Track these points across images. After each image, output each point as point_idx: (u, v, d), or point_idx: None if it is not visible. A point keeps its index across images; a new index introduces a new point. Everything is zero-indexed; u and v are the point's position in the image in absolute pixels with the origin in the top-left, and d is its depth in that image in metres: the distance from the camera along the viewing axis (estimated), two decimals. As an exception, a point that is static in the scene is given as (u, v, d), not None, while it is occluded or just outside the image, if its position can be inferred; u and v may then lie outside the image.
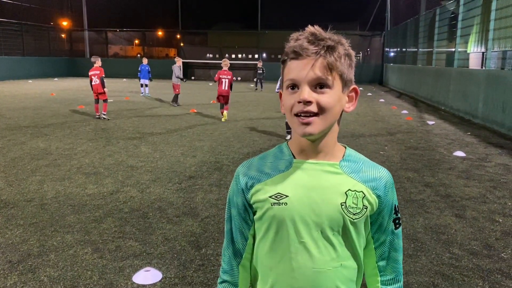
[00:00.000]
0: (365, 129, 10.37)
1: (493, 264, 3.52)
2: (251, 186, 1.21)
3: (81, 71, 33.67)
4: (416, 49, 20.72)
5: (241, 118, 12.20)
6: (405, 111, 14.04)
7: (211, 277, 3.24)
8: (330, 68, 1.09)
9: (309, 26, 1.13)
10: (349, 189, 1.16)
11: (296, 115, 1.10)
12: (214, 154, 7.35)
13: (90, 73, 11.66)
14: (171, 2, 34.77)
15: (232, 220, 1.27)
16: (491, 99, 10.69)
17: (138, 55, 40.62)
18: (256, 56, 34.48)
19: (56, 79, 30.11)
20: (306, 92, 1.08)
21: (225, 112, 11.54)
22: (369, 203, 1.17)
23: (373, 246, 1.25)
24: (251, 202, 1.21)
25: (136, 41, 41.26)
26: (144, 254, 3.62)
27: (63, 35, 36.90)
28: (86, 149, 7.66)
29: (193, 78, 35.05)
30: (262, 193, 1.19)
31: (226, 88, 11.39)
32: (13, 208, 4.66)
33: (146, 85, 19.18)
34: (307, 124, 1.09)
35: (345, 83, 1.13)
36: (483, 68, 12.08)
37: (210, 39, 38.90)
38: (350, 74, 1.14)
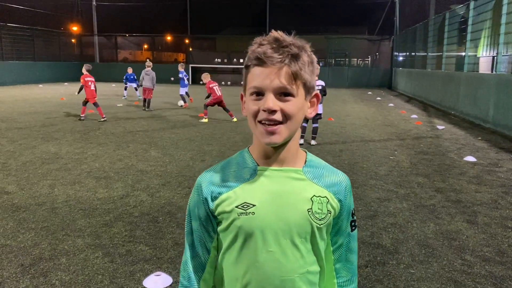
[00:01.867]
0: (375, 133, 10.32)
1: (506, 271, 3.47)
2: (215, 197, 1.17)
3: (90, 76, 33.99)
4: (426, 53, 20.62)
5: (250, 122, 12.19)
6: (414, 116, 13.96)
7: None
8: (294, 77, 1.08)
9: (273, 30, 1.12)
10: (314, 195, 1.17)
11: (260, 122, 1.09)
12: (223, 158, 7.27)
13: (87, 79, 12.00)
14: (180, 7, 35.01)
15: (194, 233, 1.23)
16: (502, 104, 10.59)
17: (147, 59, 40.92)
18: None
19: (66, 83, 30.41)
20: (271, 101, 1.07)
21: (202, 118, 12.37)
22: (332, 207, 1.19)
23: (331, 249, 1.27)
24: (216, 213, 1.18)
25: (145, 46, 41.57)
26: (155, 258, 3.63)
27: (73, 40, 37.29)
28: (96, 153, 7.72)
29: (201, 82, 35.19)
30: (228, 203, 1.16)
31: (221, 93, 12.35)
32: (24, 212, 4.71)
33: (136, 89, 20.13)
34: (272, 133, 1.09)
35: (308, 90, 1.13)
36: (494, 72, 11.98)
37: (218, 44, 39.05)
38: (313, 80, 1.14)
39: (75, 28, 37.69)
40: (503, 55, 11.42)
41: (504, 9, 10.90)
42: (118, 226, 4.33)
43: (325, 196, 1.18)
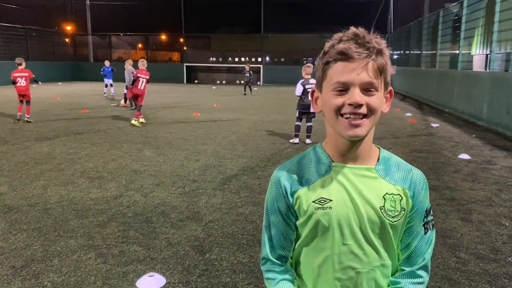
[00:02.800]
0: (369, 132, 10.32)
1: (500, 268, 3.47)
2: (294, 192, 1.22)
3: (85, 76, 33.87)
4: (420, 52, 20.67)
5: (245, 121, 12.18)
6: (409, 114, 13.99)
7: (215, 282, 3.22)
8: (380, 71, 1.12)
9: (352, 27, 1.14)
10: (386, 193, 1.19)
11: (343, 115, 1.12)
12: (217, 158, 7.33)
13: (16, 75, 11.91)
14: (174, 6, 34.90)
15: (273, 227, 1.26)
16: (496, 101, 10.63)
17: (141, 59, 40.74)
18: (260, 59, 34.52)
19: (60, 83, 30.24)
20: (358, 95, 1.10)
21: (138, 118, 11.07)
22: (406, 204, 1.21)
23: (400, 248, 1.25)
24: (295, 207, 1.22)
25: (140, 45, 41.42)
26: (148, 259, 3.60)
27: (67, 40, 37.11)
28: (89, 153, 7.67)
29: (196, 81, 35.13)
30: (305, 198, 1.20)
31: (143, 87, 11.08)
32: (16, 212, 4.66)
33: (111, 85, 20.05)
34: (357, 126, 1.12)
35: (386, 85, 1.17)
36: (487, 70, 12.02)
37: (213, 43, 38.98)
38: (389, 76, 1.17)
39: (69, 28, 37.49)
40: (496, 53, 11.45)
41: (498, 7, 10.93)
42: (112, 226, 4.29)
43: (398, 194, 1.20)
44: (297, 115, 8.80)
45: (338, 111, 1.12)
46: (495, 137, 9.56)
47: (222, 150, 8.05)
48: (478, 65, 14.66)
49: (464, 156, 7.54)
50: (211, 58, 37.11)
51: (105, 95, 20.03)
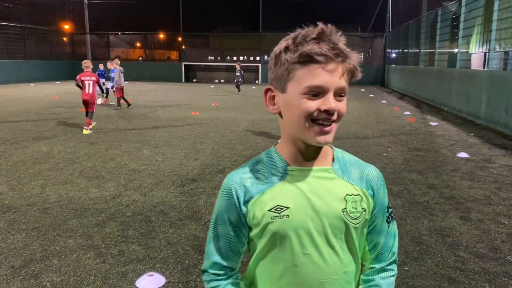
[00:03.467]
0: (368, 130, 10.33)
1: (500, 267, 3.48)
2: (247, 201, 1.13)
3: (83, 75, 33.74)
4: (418, 50, 20.69)
5: (243, 120, 12.18)
6: (407, 112, 14.00)
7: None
8: (351, 75, 1.08)
9: (319, 24, 1.06)
10: (347, 194, 1.14)
11: (314, 122, 1.05)
12: (216, 157, 7.33)
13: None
14: (173, 5, 34.84)
15: (221, 238, 1.17)
16: (494, 100, 10.65)
17: (140, 58, 40.73)
18: (258, 58, 34.51)
19: (58, 82, 30.18)
20: (333, 101, 1.04)
21: (89, 127, 9.66)
22: (367, 205, 1.16)
23: (368, 249, 1.24)
24: (248, 217, 1.13)
25: (138, 44, 41.37)
26: (147, 258, 3.60)
27: (65, 39, 37.02)
28: (88, 152, 7.65)
29: (194, 80, 35.10)
30: (260, 207, 1.11)
31: (91, 91, 9.76)
32: (15, 212, 4.65)
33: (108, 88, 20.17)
34: (328, 132, 1.06)
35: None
36: (486, 68, 12.04)
37: (211, 41, 38.95)
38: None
39: (66, 27, 37.39)
40: (495, 52, 11.46)
41: (496, 6, 10.94)
42: (111, 226, 4.28)
43: (358, 194, 1.15)
44: None
45: (309, 117, 1.04)
46: (494, 136, 9.57)
47: (220, 149, 8.04)
48: (476, 63, 14.67)
49: (463, 154, 7.55)
50: (209, 57, 37.10)
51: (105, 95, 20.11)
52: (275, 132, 10.11)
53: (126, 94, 21.16)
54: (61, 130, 10.07)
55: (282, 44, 1.08)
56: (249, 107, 15.79)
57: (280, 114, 1.13)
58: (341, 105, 1.07)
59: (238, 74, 22.46)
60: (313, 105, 1.04)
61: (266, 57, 35.34)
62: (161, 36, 39.31)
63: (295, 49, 1.04)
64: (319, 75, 1.03)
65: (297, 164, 1.13)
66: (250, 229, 1.16)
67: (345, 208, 1.12)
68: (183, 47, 37.15)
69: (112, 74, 15.85)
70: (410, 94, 21.03)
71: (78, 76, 9.69)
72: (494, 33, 11.13)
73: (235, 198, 1.13)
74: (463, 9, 13.91)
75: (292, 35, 1.07)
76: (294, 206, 1.10)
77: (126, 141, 8.79)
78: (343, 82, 1.05)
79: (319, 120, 1.05)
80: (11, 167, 6.55)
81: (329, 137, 1.07)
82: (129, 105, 15.07)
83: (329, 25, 1.06)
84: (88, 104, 9.77)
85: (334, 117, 1.05)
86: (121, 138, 9.08)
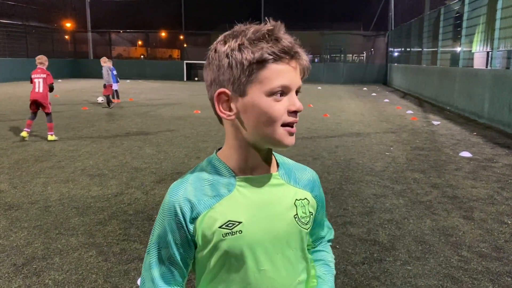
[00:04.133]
0: (370, 129, 10.31)
1: (503, 267, 3.46)
2: (194, 218, 1.01)
3: (84, 73, 33.80)
4: (421, 49, 20.64)
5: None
6: (410, 111, 13.97)
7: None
8: (306, 72, 1.02)
9: (269, 20, 0.99)
10: (295, 199, 1.10)
11: (283, 125, 0.98)
12: (218, 155, 7.31)
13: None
14: (174, 3, 34.83)
15: (163, 262, 1.05)
16: (497, 99, 10.61)
17: (142, 56, 40.75)
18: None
19: (60, 80, 30.19)
20: (298, 101, 0.99)
21: (52, 131, 8.43)
22: (313, 207, 1.15)
23: (311, 241, 1.27)
24: (196, 237, 1.03)
25: (139, 42, 41.37)
26: (149, 257, 3.58)
27: (66, 37, 37.04)
28: (90, 150, 7.65)
29: (196, 79, 35.09)
30: (209, 223, 1.01)
31: (42, 90, 8.42)
32: (17, 210, 4.65)
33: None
34: (293, 134, 1.01)
35: None
36: (488, 67, 12.00)
37: (213, 40, 38.42)
38: None
39: (68, 25, 37.43)
40: (498, 51, 11.43)
41: (499, 4, 10.90)
42: (112, 224, 4.28)
43: (305, 198, 1.12)
44: None
45: (280, 121, 0.97)
46: (497, 135, 9.54)
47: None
48: (479, 62, 14.63)
49: (466, 154, 7.52)
50: (211, 55, 36.96)
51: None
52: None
53: (128, 92, 21.20)
54: (63, 128, 10.07)
55: (230, 41, 0.97)
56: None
57: (233, 120, 1.02)
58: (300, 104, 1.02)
59: None
60: (281, 107, 0.97)
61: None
62: (163, 34, 39.32)
63: (252, 47, 0.95)
64: (284, 74, 0.96)
65: (244, 173, 1.05)
66: (196, 248, 1.05)
67: (296, 214, 1.08)
68: (185, 45, 37.14)
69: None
70: (412, 93, 20.98)
71: (31, 73, 8.63)
72: (497, 32, 11.09)
73: (181, 216, 1.01)
74: (466, 8, 13.86)
75: (239, 31, 0.98)
76: (247, 219, 1.02)
77: (128, 139, 8.79)
78: (300, 80, 1.01)
79: (289, 122, 0.98)
80: (13, 165, 6.55)
81: (294, 139, 1.02)
82: (112, 105, 14.43)
83: (278, 22, 0.98)
84: (40, 105, 8.42)
85: (297, 118, 1.00)
86: (123, 136, 9.07)
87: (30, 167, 6.46)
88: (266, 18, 0.99)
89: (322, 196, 1.21)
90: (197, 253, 1.06)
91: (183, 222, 1.01)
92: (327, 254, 1.30)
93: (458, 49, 14.69)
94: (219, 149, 1.11)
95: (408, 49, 24.52)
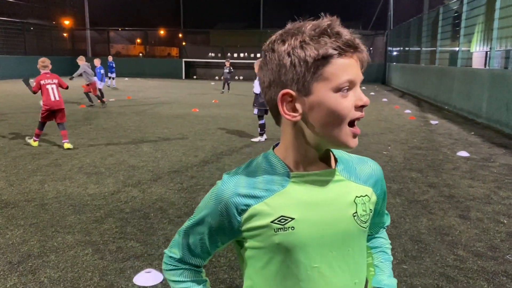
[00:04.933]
0: (368, 128, 10.31)
1: (498, 266, 3.47)
2: (243, 210, 1.00)
3: (83, 70, 33.73)
4: (419, 48, 20.65)
5: (243, 117, 12.16)
6: (408, 111, 13.98)
7: (213, 278, 3.21)
8: (363, 66, 0.99)
9: (326, 16, 0.97)
10: (356, 196, 1.05)
11: (350, 124, 0.95)
12: (216, 154, 7.31)
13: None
14: (173, 1, 34.77)
15: (195, 236, 1.09)
16: (495, 99, 10.62)
17: (140, 54, 40.68)
18: (259, 55, 34.43)
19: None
20: (363, 94, 0.96)
21: (67, 144, 7.55)
22: (373, 203, 1.10)
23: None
24: (243, 228, 1.02)
25: (138, 40, 41.29)
26: (145, 255, 3.59)
27: (65, 34, 36.94)
28: (87, 148, 7.64)
29: (195, 77, 35.05)
30: (261, 218, 1.00)
31: (58, 97, 7.60)
32: (13, 208, 4.64)
33: (112, 78, 22.62)
34: (358, 135, 0.97)
35: None
36: (487, 67, 12.01)
37: (212, 38, 38.85)
38: None
39: (67, 22, 37.33)
40: (496, 50, 11.43)
41: (498, 4, 10.89)
42: (109, 222, 4.27)
43: (366, 195, 1.08)
44: (258, 113, 8.46)
45: (348, 117, 0.94)
46: (494, 135, 9.55)
47: (220, 146, 8.02)
48: (477, 62, 14.65)
49: (463, 153, 7.53)
50: (210, 54, 37.00)
51: (109, 86, 22.24)
52: (274, 129, 10.08)
53: (126, 90, 21.17)
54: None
55: (290, 39, 0.94)
56: (249, 105, 15.71)
57: (299, 121, 0.99)
58: None
59: (227, 71, 21.68)
60: (348, 103, 0.94)
61: (266, 54, 35.24)
62: (162, 32, 39.24)
63: (315, 43, 0.92)
64: (349, 68, 0.93)
65: (300, 169, 1.02)
66: (244, 239, 1.05)
67: (355, 212, 1.04)
68: (184, 43, 37.08)
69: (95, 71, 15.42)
70: (411, 92, 21.00)
71: (36, 79, 7.57)
72: (495, 32, 11.09)
73: (223, 207, 1.02)
74: (465, 7, 13.86)
75: (297, 28, 0.95)
76: (300, 216, 0.99)
77: (125, 137, 8.78)
78: (361, 74, 0.98)
79: (356, 119, 0.96)
80: (10, 163, 6.54)
81: (357, 141, 0.99)
82: (91, 105, 14.06)
83: (334, 17, 0.96)
84: (57, 112, 7.59)
85: (363, 113, 0.98)
86: (120, 135, 9.06)
87: (27, 164, 6.45)
88: (321, 14, 0.97)
89: (384, 189, 1.16)
90: (246, 245, 1.05)
91: (226, 213, 1.02)
92: (384, 241, 1.28)
93: (457, 48, 14.70)
94: (276, 145, 1.09)
95: (407, 49, 24.53)
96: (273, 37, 0.99)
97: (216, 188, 1.05)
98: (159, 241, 3.86)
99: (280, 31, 0.98)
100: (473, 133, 9.80)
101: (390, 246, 1.29)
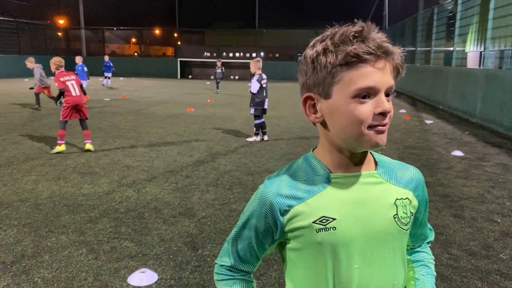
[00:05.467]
0: (363, 128, 10.34)
1: (492, 265, 3.49)
2: (286, 211, 1.04)
3: (78, 70, 33.61)
4: (414, 48, 20.72)
5: (238, 117, 12.15)
6: (403, 110, 14.03)
7: (208, 278, 3.20)
8: (397, 73, 1.01)
9: (359, 22, 0.97)
10: (396, 198, 1.07)
11: (369, 127, 0.96)
12: (211, 154, 7.30)
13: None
14: (168, 1, 34.68)
15: (242, 241, 1.13)
16: (489, 99, 10.67)
17: (135, 53, 40.56)
18: (254, 54, 34.42)
19: (52, 78, 29.99)
20: (386, 102, 0.96)
21: (89, 145, 7.46)
22: (414, 207, 1.12)
23: (410, 240, 1.24)
24: (286, 229, 1.05)
25: (133, 40, 41.18)
26: (140, 255, 3.57)
27: (59, 34, 36.76)
28: (81, 148, 7.60)
29: (190, 77, 35.00)
30: (302, 218, 1.03)
31: (79, 93, 7.49)
32: (7, 208, 4.61)
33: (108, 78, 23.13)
34: (383, 132, 0.98)
35: None
36: (481, 67, 12.07)
37: (207, 37, 38.85)
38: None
39: (61, 21, 37.14)
40: (490, 50, 11.49)
41: (492, 4, 10.95)
42: (103, 222, 4.26)
43: (407, 198, 1.09)
44: (255, 113, 8.45)
45: (365, 123, 0.96)
46: (488, 134, 9.60)
47: (215, 145, 8.02)
48: (472, 62, 14.71)
49: (457, 153, 7.56)
50: (205, 53, 36.97)
51: (103, 85, 22.81)
52: (270, 129, 10.09)
53: (121, 90, 21.10)
54: (55, 125, 9.98)
55: (317, 46, 0.99)
56: (245, 104, 15.73)
57: (322, 122, 1.03)
58: (391, 106, 0.99)
59: (219, 71, 21.33)
60: (366, 109, 0.95)
61: (262, 53, 35.29)
62: (157, 32, 39.16)
63: (337, 50, 0.95)
64: (369, 75, 0.94)
65: (340, 171, 1.05)
66: (287, 240, 1.08)
67: (396, 214, 1.06)
68: (179, 43, 37.02)
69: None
70: (406, 92, 21.07)
71: (56, 78, 7.53)
72: (490, 32, 11.15)
73: (268, 208, 1.05)
74: (459, 8, 13.92)
75: (327, 35, 0.99)
76: (341, 217, 1.02)
77: (120, 137, 8.75)
78: (392, 80, 0.99)
79: (377, 125, 0.97)
80: (4, 163, 6.50)
81: (385, 138, 0.99)
82: (36, 108, 13.12)
83: (368, 22, 0.98)
84: (80, 108, 7.47)
85: (387, 120, 0.98)
86: (115, 134, 9.03)
87: (20, 164, 6.41)
88: (356, 19, 0.98)
89: (425, 196, 1.17)
90: (288, 246, 1.08)
91: (271, 214, 1.05)
92: (427, 256, 1.27)
93: (452, 48, 14.76)
94: (316, 147, 1.12)
95: (402, 48, 24.49)
96: (311, 42, 1.03)
97: (259, 191, 1.09)
98: (153, 241, 3.85)
99: (317, 37, 1.03)
100: (467, 132, 9.85)
101: (433, 262, 1.27)
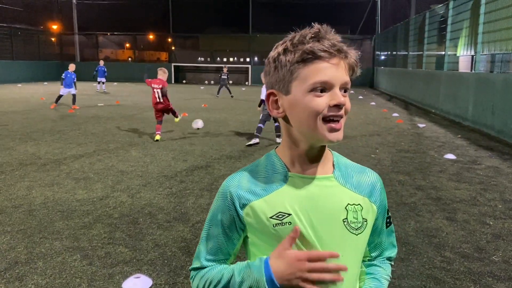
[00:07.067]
0: (356, 132, 10.39)
1: (484, 267, 3.52)
2: (244, 204, 1.10)
3: (71, 75, 33.45)
4: (407, 53, 20.88)
5: (233, 121, 12.17)
6: (396, 114, 14.11)
7: (202, 283, 3.20)
8: (352, 71, 1.07)
9: (315, 24, 1.05)
10: (348, 203, 1.11)
11: (324, 119, 1.02)
12: (205, 158, 7.31)
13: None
14: (162, 6, 34.71)
15: (211, 239, 1.16)
16: (481, 102, 10.78)
17: (129, 58, 40.51)
18: (248, 59, 34.52)
19: (46, 83, 29.85)
20: (341, 95, 1.02)
21: (157, 135, 8.95)
22: (368, 214, 1.14)
23: (368, 249, 1.24)
24: (244, 221, 1.11)
25: (127, 45, 41.13)
26: (134, 260, 3.57)
27: (53, 39, 36.62)
28: (75, 153, 7.58)
29: (184, 81, 35.00)
30: (259, 213, 1.08)
31: (161, 100, 8.93)
32: (0, 214, 4.58)
33: (103, 83, 23.10)
34: (338, 129, 1.04)
35: None
36: (473, 71, 12.19)
37: (201, 42, 38.89)
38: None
39: (55, 27, 37.02)
40: (481, 54, 11.61)
41: (482, 9, 11.08)
42: (97, 228, 4.25)
43: (359, 204, 1.12)
44: (263, 118, 8.64)
45: (320, 115, 1.02)
46: (480, 137, 9.69)
47: (209, 150, 8.02)
48: (463, 66, 14.83)
49: (450, 156, 7.62)
50: (199, 58, 37.00)
51: (98, 90, 22.98)
52: (264, 133, 10.11)
53: (115, 95, 21.05)
54: (48, 131, 9.96)
55: (279, 47, 1.07)
56: (239, 109, 15.78)
57: (284, 117, 1.09)
58: (347, 100, 1.04)
59: (225, 77, 21.59)
60: (321, 101, 1.01)
61: (256, 58, 35.38)
62: (151, 37, 39.15)
63: (295, 49, 1.03)
64: (324, 71, 1.01)
65: (298, 170, 1.11)
66: (243, 232, 1.13)
67: (346, 218, 1.10)
68: (173, 48, 37.02)
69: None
70: (398, 96, 21.20)
71: (147, 81, 9.03)
72: (480, 36, 11.27)
73: (230, 200, 1.11)
74: (450, 12, 14.07)
75: (288, 37, 1.06)
76: (296, 213, 1.07)
77: (114, 142, 8.73)
78: (347, 77, 1.04)
79: (330, 117, 1.02)
80: (-3, 169, 6.46)
81: (340, 135, 1.05)
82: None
83: (324, 25, 1.05)
84: (165, 111, 9.08)
85: (342, 112, 1.03)
86: (109, 139, 9.01)
87: (14, 170, 6.38)
88: (313, 23, 1.06)
89: (383, 201, 1.20)
90: (249, 240, 1.14)
91: (233, 206, 1.11)
92: (382, 271, 1.25)
93: (443, 52, 14.89)
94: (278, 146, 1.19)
95: (394, 53, 24.77)
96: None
97: (221, 188, 1.15)
98: (148, 246, 3.84)
99: (281, 41, 1.11)
100: (459, 136, 9.93)
101: (388, 280, 1.25)
